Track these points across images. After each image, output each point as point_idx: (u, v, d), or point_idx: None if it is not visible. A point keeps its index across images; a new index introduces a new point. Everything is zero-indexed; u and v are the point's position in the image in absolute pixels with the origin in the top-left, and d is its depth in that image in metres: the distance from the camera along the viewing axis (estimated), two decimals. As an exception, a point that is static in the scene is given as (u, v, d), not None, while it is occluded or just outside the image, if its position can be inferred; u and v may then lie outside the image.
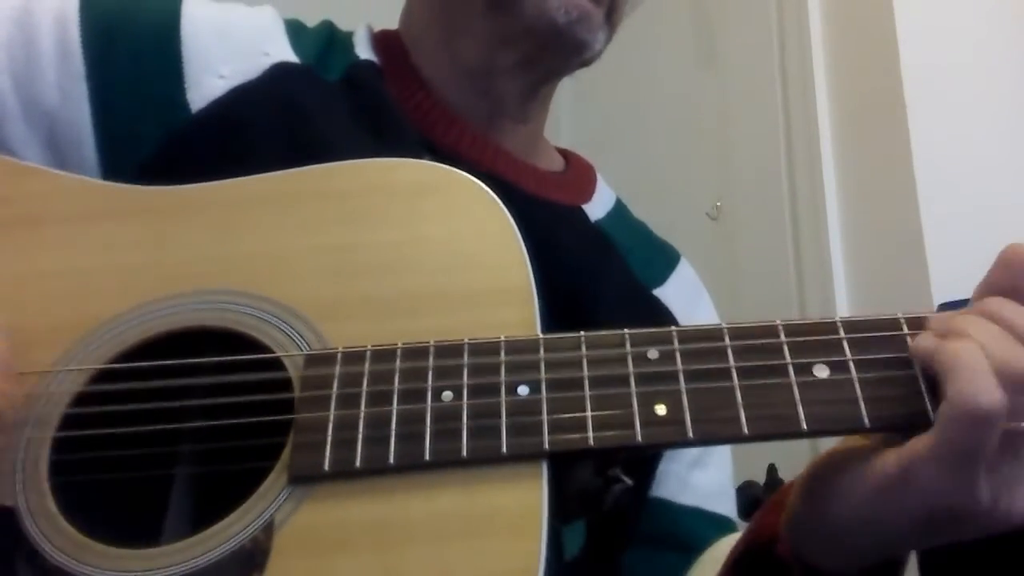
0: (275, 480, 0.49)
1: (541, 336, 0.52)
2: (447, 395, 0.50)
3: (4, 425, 0.51)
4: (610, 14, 0.77)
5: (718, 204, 2.06)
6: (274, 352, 0.53)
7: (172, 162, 0.67)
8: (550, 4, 0.73)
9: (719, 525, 0.79)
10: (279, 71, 0.74)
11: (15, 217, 0.60)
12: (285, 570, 0.47)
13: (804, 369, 0.49)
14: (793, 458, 1.57)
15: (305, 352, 0.53)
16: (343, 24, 0.84)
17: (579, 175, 0.88)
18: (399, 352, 0.52)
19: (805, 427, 0.47)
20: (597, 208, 0.86)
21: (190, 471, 0.56)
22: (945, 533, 0.48)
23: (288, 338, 0.54)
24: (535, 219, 0.75)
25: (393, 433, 0.49)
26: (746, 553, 0.60)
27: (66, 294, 0.55)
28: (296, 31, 0.79)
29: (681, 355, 0.50)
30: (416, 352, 0.52)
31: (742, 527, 0.79)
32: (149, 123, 0.69)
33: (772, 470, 1.60)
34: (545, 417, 0.49)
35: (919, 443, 0.46)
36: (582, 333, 0.52)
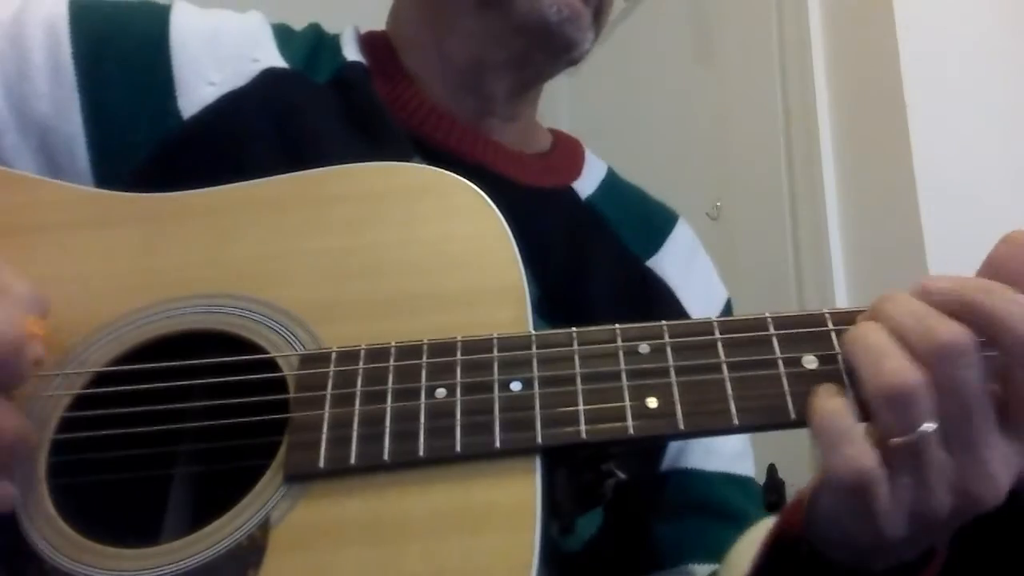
0: (271, 479, 0.50)
1: (533, 333, 0.53)
2: (441, 392, 0.51)
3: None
4: (597, 14, 0.79)
5: (718, 204, 2.06)
6: (269, 353, 0.54)
7: (165, 169, 0.67)
8: (543, 2, 0.74)
9: (745, 487, 0.81)
10: (268, 76, 0.74)
11: (9, 226, 0.60)
12: (281, 567, 0.47)
13: (793, 361, 0.49)
14: (793, 458, 1.57)
15: (300, 352, 0.53)
16: (329, 27, 0.85)
17: (566, 153, 0.89)
18: (393, 351, 0.52)
19: (794, 417, 0.47)
20: (587, 183, 0.86)
21: (188, 472, 0.57)
22: (932, 535, 0.49)
23: (283, 339, 0.54)
24: (525, 209, 0.75)
25: (387, 430, 0.50)
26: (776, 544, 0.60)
27: (62, 300, 0.55)
28: (284, 36, 0.80)
29: (672, 349, 0.51)
30: (410, 351, 0.52)
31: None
32: (141, 131, 0.69)
33: (772, 470, 1.60)
34: (538, 412, 0.49)
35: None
36: (574, 329, 0.52)
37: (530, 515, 0.47)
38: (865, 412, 0.46)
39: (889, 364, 0.45)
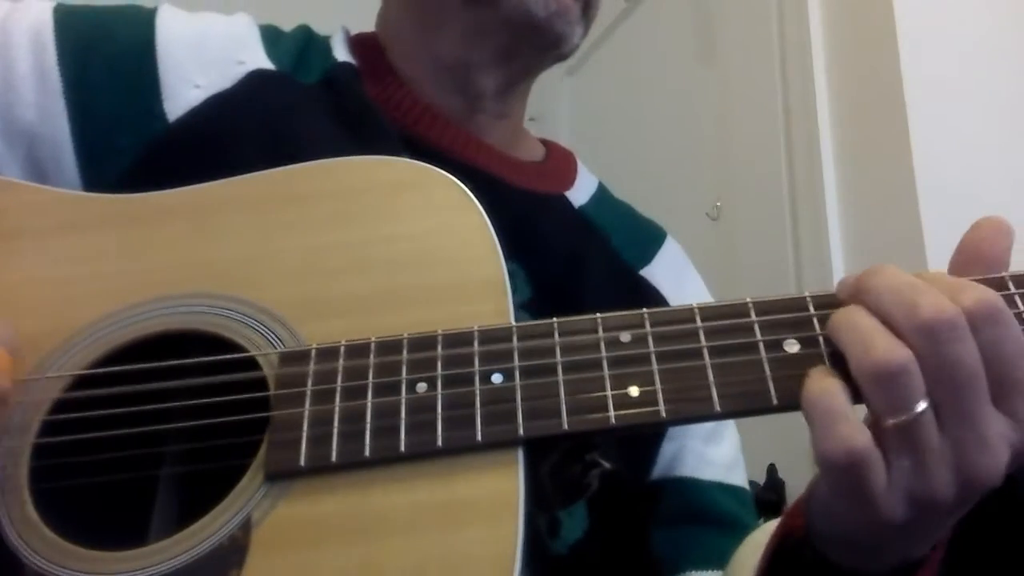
0: (252, 478, 0.49)
1: (514, 324, 0.52)
2: (421, 387, 0.50)
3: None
4: (586, 9, 0.79)
5: (718, 204, 2.06)
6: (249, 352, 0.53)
7: (151, 172, 0.67)
8: None
9: (739, 497, 0.80)
10: (255, 78, 0.74)
11: None
12: (264, 567, 0.47)
13: (775, 345, 0.49)
14: (793, 458, 1.56)
15: (279, 351, 0.53)
16: (321, 29, 0.85)
17: (559, 163, 0.89)
18: (373, 347, 0.52)
19: (776, 402, 0.47)
20: (580, 194, 0.86)
21: (172, 473, 0.56)
22: (933, 523, 0.48)
23: (263, 338, 0.54)
24: (518, 210, 0.75)
25: (368, 427, 0.49)
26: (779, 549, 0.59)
27: (42, 304, 0.55)
28: (272, 37, 0.79)
29: (653, 337, 0.50)
30: (390, 346, 0.52)
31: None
32: (127, 135, 0.69)
33: (772, 470, 1.59)
34: (519, 404, 0.49)
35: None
36: (555, 320, 0.52)
37: (513, 507, 0.47)
38: (855, 397, 0.46)
39: (878, 343, 0.44)
